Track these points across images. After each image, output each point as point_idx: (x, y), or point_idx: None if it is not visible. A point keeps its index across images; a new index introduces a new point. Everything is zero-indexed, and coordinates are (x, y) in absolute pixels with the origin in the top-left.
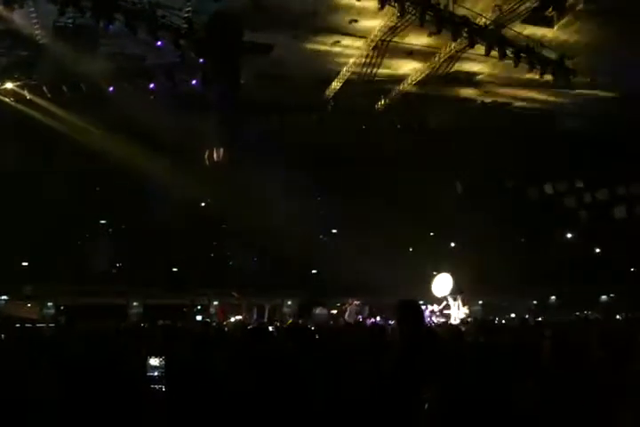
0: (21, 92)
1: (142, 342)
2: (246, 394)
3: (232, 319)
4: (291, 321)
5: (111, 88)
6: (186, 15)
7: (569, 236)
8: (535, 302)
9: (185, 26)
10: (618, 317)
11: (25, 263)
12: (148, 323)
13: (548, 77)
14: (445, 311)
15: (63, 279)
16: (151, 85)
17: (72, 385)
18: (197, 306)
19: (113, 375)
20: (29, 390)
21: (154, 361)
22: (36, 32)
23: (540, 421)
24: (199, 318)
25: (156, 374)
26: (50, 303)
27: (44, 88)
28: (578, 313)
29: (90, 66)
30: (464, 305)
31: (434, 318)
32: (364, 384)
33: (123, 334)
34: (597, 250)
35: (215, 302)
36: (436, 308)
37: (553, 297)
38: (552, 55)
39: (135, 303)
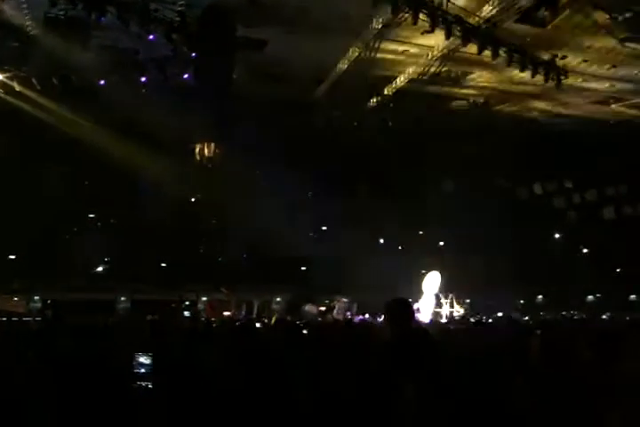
0: (10, 83)
1: (130, 337)
2: (233, 390)
3: (221, 315)
4: (275, 318)
5: (102, 81)
6: (179, 9)
7: (557, 236)
8: (522, 301)
9: (177, 19)
10: (604, 316)
11: (12, 257)
12: (135, 318)
13: (540, 77)
14: (436, 309)
15: (51, 273)
16: (143, 79)
17: (57, 380)
18: (186, 302)
19: (99, 371)
20: (15, 385)
21: (141, 358)
22: (27, 23)
23: (529, 420)
24: (187, 313)
25: (142, 370)
26: (37, 297)
27: (34, 80)
28: (564, 312)
29: (81, 58)
30: (458, 303)
31: (419, 316)
32: (352, 381)
33: (109, 329)
34: (585, 250)
35: (204, 298)
36: (422, 305)
37: (540, 296)
38: (544, 55)
39: (123, 298)
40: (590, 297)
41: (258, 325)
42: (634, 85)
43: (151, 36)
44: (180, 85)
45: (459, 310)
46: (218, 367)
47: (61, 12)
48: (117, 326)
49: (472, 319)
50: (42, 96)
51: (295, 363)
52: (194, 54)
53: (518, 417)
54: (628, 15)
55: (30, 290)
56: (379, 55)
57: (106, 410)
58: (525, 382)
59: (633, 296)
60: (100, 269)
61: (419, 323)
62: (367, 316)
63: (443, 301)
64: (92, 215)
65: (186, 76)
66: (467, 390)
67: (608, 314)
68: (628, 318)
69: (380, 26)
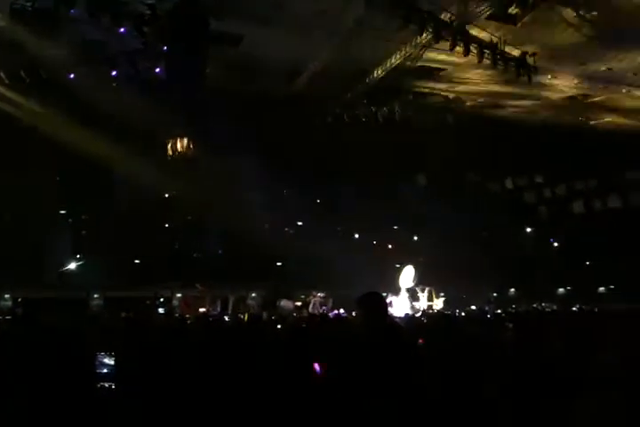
0: None
1: (102, 335)
2: (205, 388)
3: (195, 312)
4: (247, 314)
5: (72, 75)
6: (149, 1)
7: (528, 230)
8: (495, 293)
9: (148, 12)
10: (574, 308)
11: None
12: (109, 315)
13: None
14: (412, 303)
15: (22, 271)
16: (113, 72)
17: (21, 379)
18: (160, 298)
19: (66, 371)
20: None
21: (103, 357)
22: None
23: (503, 414)
24: (162, 310)
25: (105, 370)
26: (7, 295)
27: (1, 73)
28: (535, 305)
29: (49, 51)
30: (437, 297)
31: (392, 310)
32: (328, 381)
33: (81, 328)
34: (555, 244)
35: (178, 295)
36: (396, 299)
37: (512, 289)
38: (514, 52)
39: (96, 296)
40: (561, 289)
41: (227, 318)
42: (602, 82)
43: (122, 29)
44: (152, 79)
45: (437, 304)
46: (190, 366)
47: (28, 4)
48: (89, 325)
49: (448, 312)
50: (10, 90)
51: (268, 359)
52: (165, 48)
53: (493, 411)
54: (595, 13)
55: (0, 288)
56: (354, 51)
57: (68, 411)
58: (499, 376)
59: (602, 288)
60: (72, 266)
61: (392, 317)
62: (342, 311)
63: (419, 295)
64: (63, 211)
65: (157, 69)
66: (442, 384)
67: (577, 306)
68: (596, 310)
69: (354, 21)
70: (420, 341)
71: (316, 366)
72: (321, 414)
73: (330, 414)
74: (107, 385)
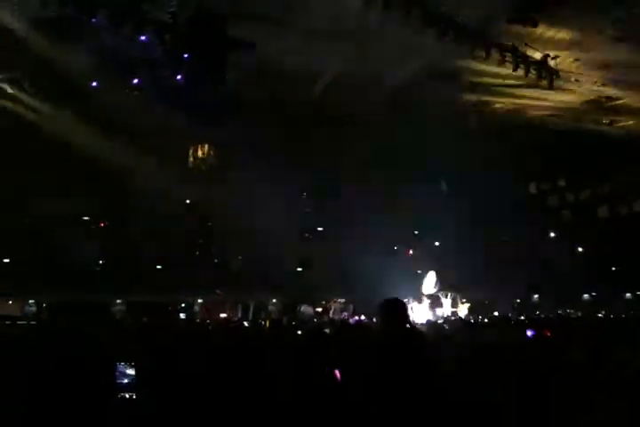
0: (3, 86)
1: (124, 342)
2: (224, 395)
3: (216, 317)
4: (269, 320)
5: (94, 83)
6: (171, 9)
7: (552, 235)
8: (519, 300)
9: (170, 20)
10: (599, 315)
11: (6, 260)
12: (131, 321)
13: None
14: (435, 309)
15: (46, 277)
16: (135, 81)
17: (38, 387)
18: (181, 304)
19: (83, 379)
20: None
21: (123, 367)
22: (17, 24)
23: (524, 422)
24: (183, 315)
25: (125, 380)
26: (32, 301)
27: (25, 82)
28: (560, 311)
29: (72, 60)
30: (462, 303)
31: (414, 316)
32: (349, 387)
33: (103, 334)
34: (580, 249)
35: (199, 300)
36: (416, 305)
37: (536, 295)
38: (536, 55)
39: (119, 301)
40: (586, 295)
41: (246, 324)
42: (625, 85)
43: (143, 37)
44: (174, 87)
45: (461, 310)
46: (211, 372)
47: (52, 14)
48: (111, 330)
49: (471, 320)
50: (34, 98)
51: (289, 365)
52: (186, 55)
53: (512, 419)
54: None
55: (25, 294)
56: (374, 54)
57: (87, 421)
58: (520, 385)
59: (628, 294)
60: (95, 272)
61: (413, 323)
62: (363, 317)
63: (442, 300)
64: (86, 218)
65: (179, 77)
66: (461, 392)
67: (604, 312)
68: (623, 316)
69: (371, 25)
70: None
71: (337, 372)
72: (340, 420)
73: (348, 420)
74: (127, 396)
